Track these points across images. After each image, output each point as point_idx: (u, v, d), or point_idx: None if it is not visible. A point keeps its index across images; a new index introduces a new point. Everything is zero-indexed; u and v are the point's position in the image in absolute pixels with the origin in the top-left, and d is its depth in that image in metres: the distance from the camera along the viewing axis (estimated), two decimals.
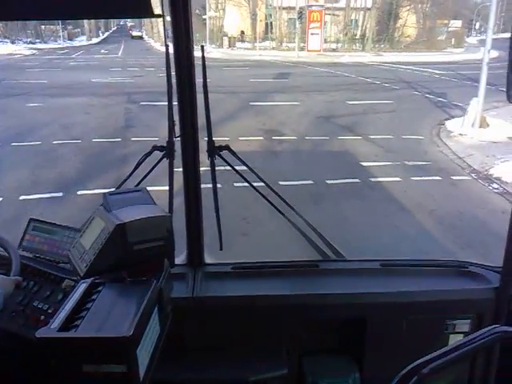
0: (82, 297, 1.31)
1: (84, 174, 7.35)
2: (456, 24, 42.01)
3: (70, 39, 45.60)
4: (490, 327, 1.19)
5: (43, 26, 43.31)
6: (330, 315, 2.00)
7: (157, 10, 1.66)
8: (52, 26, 43.42)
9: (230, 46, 36.96)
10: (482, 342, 1.16)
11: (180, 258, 2.08)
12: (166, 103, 1.89)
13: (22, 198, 6.26)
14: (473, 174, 7.90)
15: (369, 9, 37.77)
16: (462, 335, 1.96)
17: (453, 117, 11.95)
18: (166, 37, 1.89)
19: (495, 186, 7.29)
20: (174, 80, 1.85)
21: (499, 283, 1.92)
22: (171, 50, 1.80)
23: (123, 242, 1.36)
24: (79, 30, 49.37)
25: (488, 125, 10.68)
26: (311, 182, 7.00)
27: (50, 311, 1.59)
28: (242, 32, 38.56)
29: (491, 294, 1.93)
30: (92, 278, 1.37)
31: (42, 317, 1.59)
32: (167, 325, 1.48)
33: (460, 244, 5.20)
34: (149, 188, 1.61)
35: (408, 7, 39.17)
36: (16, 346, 1.60)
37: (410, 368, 1.07)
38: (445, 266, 2.14)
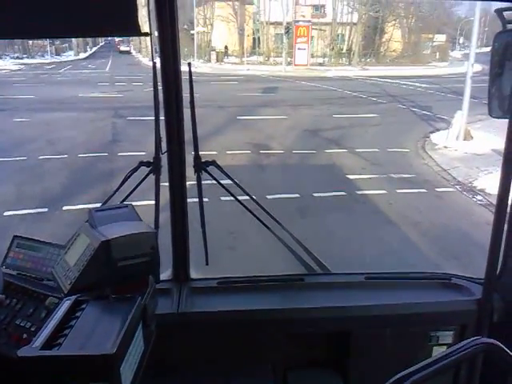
0: (66, 314, 1.31)
1: (70, 189, 7.31)
2: (440, 38, 42.74)
3: (58, 54, 45.52)
4: (470, 339, 1.21)
5: (30, 42, 43.15)
6: (315, 329, 2.00)
7: (145, 27, 1.69)
8: (39, 41, 43.31)
9: (217, 61, 37.14)
10: (463, 353, 1.17)
11: (166, 274, 2.08)
12: (153, 118, 1.91)
13: (6, 213, 6.20)
14: (457, 186, 8.01)
15: (355, 24, 38.27)
16: (446, 347, 1.98)
17: (438, 130, 12.12)
18: (153, 54, 1.92)
19: (479, 197, 7.39)
20: (161, 96, 1.87)
21: (482, 295, 1.95)
22: (159, 65, 1.82)
23: (108, 258, 1.36)
24: (67, 44, 49.31)
25: (472, 137, 10.85)
26: (298, 196, 7.03)
27: (32, 329, 1.57)
28: (226, 47, 38.72)
29: (474, 306, 1.96)
30: (76, 296, 1.37)
31: (25, 335, 1.57)
32: (152, 341, 1.47)
33: (445, 256, 5.25)
34: (135, 203, 1.62)
35: (393, 22, 39.77)
36: None
37: (391, 381, 1.08)
38: (428, 279, 2.16)
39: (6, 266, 1.79)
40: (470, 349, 1.18)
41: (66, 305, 1.34)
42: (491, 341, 1.22)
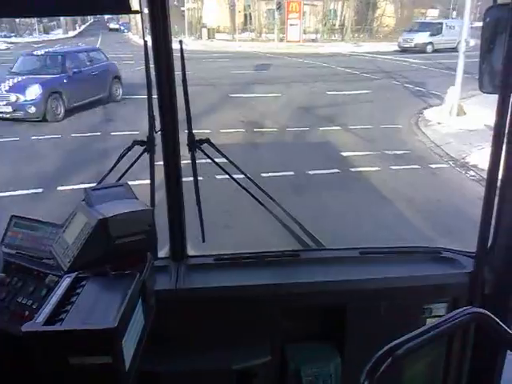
0: (67, 291, 1.33)
1: (63, 169, 7.28)
2: (433, 13, 42.25)
3: (46, 32, 44.71)
4: (461, 309, 1.24)
5: (17, 20, 42.34)
6: (311, 303, 2.04)
7: (135, 5, 1.68)
8: (27, 20, 42.46)
9: (209, 38, 36.63)
10: (453, 323, 1.21)
11: (163, 251, 2.11)
12: (145, 96, 1.90)
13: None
14: (450, 162, 8.06)
15: None
16: (441, 317, 2.03)
17: (431, 106, 12.12)
18: (144, 32, 1.90)
19: (472, 173, 7.45)
20: (153, 74, 1.87)
21: (473, 268, 1.99)
22: (150, 43, 1.82)
23: (106, 236, 1.38)
24: (55, 23, 48.37)
25: (465, 113, 10.86)
26: (292, 173, 7.05)
27: (34, 306, 1.60)
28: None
29: (466, 279, 2.00)
30: (76, 273, 1.39)
31: (27, 312, 1.60)
32: (151, 317, 1.50)
33: (439, 230, 5.31)
34: (131, 182, 1.64)
35: None
36: (1, 342, 1.61)
37: (384, 350, 1.12)
38: (421, 253, 2.20)
39: (5, 246, 1.81)
40: (461, 318, 1.22)
41: (66, 281, 1.37)
42: (481, 310, 1.26)
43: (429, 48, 25.74)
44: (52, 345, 1.23)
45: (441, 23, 27.30)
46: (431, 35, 26.14)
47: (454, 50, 24.60)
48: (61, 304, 1.29)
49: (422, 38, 26.10)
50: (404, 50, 25.74)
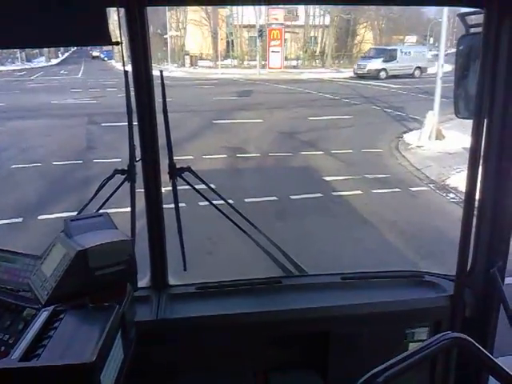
0: (44, 325, 1.30)
1: (45, 198, 7.20)
2: (411, 39, 43.47)
3: (29, 60, 44.67)
4: (440, 334, 1.24)
5: None
6: (294, 330, 2.03)
7: (117, 33, 1.70)
8: None
9: (191, 65, 37.00)
10: (432, 348, 1.21)
11: (144, 281, 2.08)
12: (127, 124, 1.90)
13: None
14: (431, 185, 8.17)
15: (327, 26, 38.67)
16: (421, 343, 2.02)
17: (411, 130, 12.33)
18: (124, 62, 1.91)
19: (452, 195, 7.55)
20: (134, 103, 1.87)
21: (454, 291, 2.00)
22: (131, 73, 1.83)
23: (85, 268, 1.36)
24: (37, 51, 48.42)
25: (444, 136, 11.07)
26: (275, 198, 7.07)
27: (10, 341, 1.55)
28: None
29: (447, 302, 2.00)
30: (53, 306, 1.36)
31: (3, 348, 1.55)
32: (131, 349, 1.48)
33: (421, 254, 5.35)
34: (112, 210, 1.63)
35: (365, 24, 40.31)
36: None
37: (366, 377, 1.11)
38: (402, 277, 2.21)
39: None
40: (440, 344, 1.22)
41: (43, 315, 1.34)
42: (460, 335, 1.26)
43: (382, 74, 26.02)
44: (28, 381, 1.19)
45: (395, 49, 27.74)
46: (384, 61, 26.50)
47: (411, 75, 25.18)
48: (37, 339, 1.26)
49: (374, 64, 26.52)
50: (361, 77, 26.06)
